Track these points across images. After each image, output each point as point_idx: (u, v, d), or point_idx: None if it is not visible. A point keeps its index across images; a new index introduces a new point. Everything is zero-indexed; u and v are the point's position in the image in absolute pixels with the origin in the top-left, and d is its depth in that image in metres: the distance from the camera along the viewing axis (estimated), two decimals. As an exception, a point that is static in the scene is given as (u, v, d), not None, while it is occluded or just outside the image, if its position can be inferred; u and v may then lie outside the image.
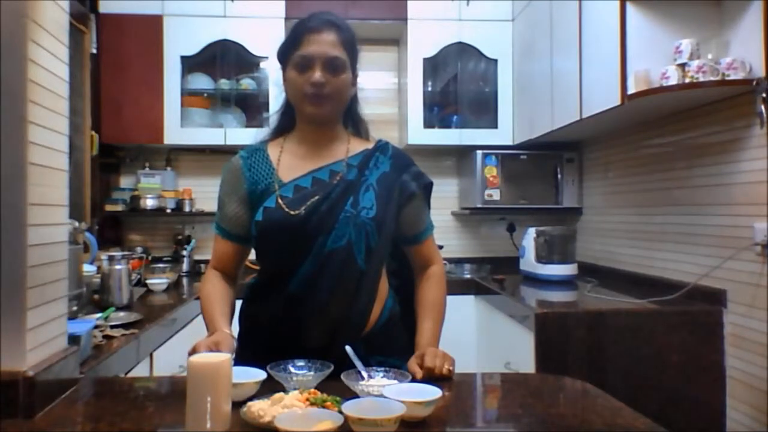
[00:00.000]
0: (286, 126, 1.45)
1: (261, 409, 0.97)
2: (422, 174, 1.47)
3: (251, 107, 3.53)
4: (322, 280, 1.30)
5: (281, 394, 1.02)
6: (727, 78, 1.99)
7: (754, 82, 1.92)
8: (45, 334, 1.14)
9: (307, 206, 1.31)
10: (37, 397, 1.07)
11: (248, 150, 1.43)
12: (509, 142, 3.41)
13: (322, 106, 1.33)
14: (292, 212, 1.30)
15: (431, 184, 1.48)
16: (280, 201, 1.32)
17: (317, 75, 1.30)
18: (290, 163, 1.38)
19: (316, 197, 1.31)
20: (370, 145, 1.44)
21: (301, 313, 1.31)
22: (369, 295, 1.35)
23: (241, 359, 1.23)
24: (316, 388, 1.09)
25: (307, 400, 1.00)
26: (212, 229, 1.44)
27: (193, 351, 1.13)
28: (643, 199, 2.75)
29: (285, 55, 1.36)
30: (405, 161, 1.45)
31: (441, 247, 3.50)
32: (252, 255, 1.42)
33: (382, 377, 1.16)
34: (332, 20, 1.34)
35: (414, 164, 1.47)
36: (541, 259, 3.07)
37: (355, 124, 1.48)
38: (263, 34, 3.30)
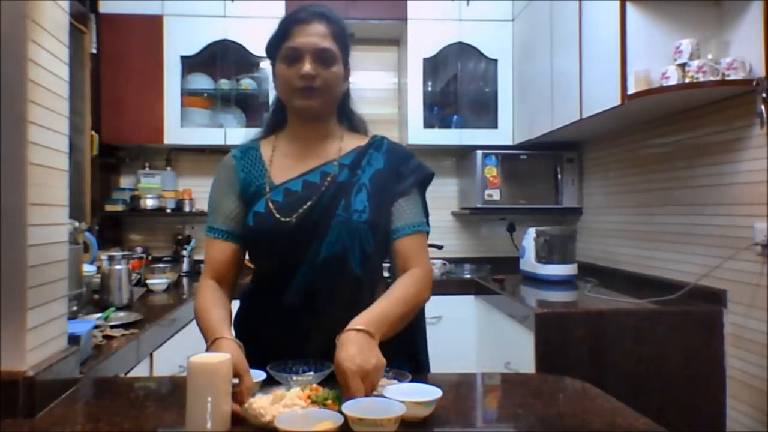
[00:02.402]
0: (277, 123, 1.41)
1: (262, 407, 0.97)
2: (421, 165, 1.38)
3: (251, 107, 3.53)
4: (318, 289, 1.26)
5: (282, 391, 1.01)
6: (727, 78, 1.99)
7: (754, 82, 1.92)
8: (45, 334, 1.14)
9: (299, 214, 1.26)
10: (37, 397, 1.07)
11: (241, 149, 1.39)
12: (509, 142, 3.42)
13: (313, 98, 1.28)
14: (283, 219, 1.26)
15: (431, 175, 1.38)
16: (270, 205, 1.27)
17: (307, 67, 1.26)
18: (282, 164, 1.34)
19: (308, 204, 1.26)
20: (364, 142, 1.38)
21: (300, 324, 1.27)
22: (368, 302, 1.26)
23: None
24: (316, 387, 1.08)
25: (309, 397, 1.00)
26: (205, 234, 1.35)
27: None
28: (643, 199, 2.75)
29: (273, 48, 1.33)
30: (401, 155, 1.37)
31: (441, 247, 3.57)
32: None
33: (381, 377, 1.16)
34: (322, 12, 1.30)
35: (413, 156, 1.38)
36: (541, 259, 3.07)
37: (350, 120, 1.43)
38: (263, 34, 3.15)
